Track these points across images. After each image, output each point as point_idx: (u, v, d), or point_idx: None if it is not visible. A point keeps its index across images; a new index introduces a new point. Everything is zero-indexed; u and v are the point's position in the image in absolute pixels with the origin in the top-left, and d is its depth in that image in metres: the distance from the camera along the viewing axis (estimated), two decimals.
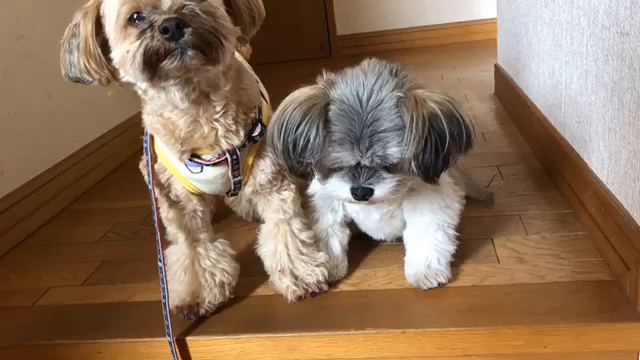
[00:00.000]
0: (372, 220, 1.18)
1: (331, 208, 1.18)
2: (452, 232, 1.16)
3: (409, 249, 1.19)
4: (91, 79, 0.91)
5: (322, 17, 3.79)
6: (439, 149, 0.93)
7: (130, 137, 2.05)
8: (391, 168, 0.97)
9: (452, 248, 1.17)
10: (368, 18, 3.77)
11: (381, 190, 0.97)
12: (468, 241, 1.28)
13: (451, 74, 2.91)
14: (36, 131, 1.76)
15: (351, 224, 1.23)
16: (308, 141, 0.92)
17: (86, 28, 0.88)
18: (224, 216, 1.56)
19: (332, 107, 0.94)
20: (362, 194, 0.97)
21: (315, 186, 1.15)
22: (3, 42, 1.66)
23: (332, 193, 1.01)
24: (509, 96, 2.13)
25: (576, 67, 1.32)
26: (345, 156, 0.94)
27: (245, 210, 1.51)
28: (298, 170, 0.99)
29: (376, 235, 1.27)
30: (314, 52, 3.84)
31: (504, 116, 2.15)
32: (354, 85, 0.94)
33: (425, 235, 1.15)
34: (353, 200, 0.99)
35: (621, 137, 1.08)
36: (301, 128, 0.92)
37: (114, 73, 0.91)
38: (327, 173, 0.99)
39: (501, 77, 2.30)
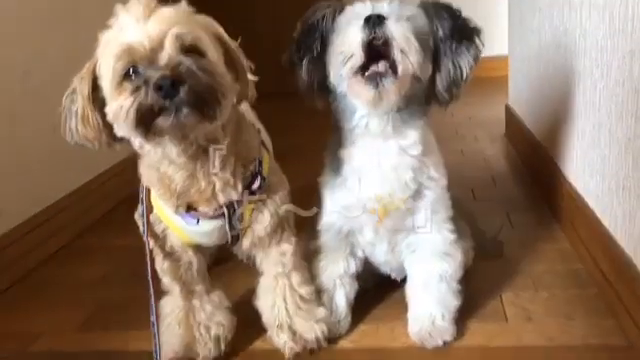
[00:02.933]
0: (382, 252, 1.14)
1: (347, 252, 1.14)
2: (456, 285, 1.12)
3: (412, 304, 1.15)
4: (91, 145, 0.89)
5: None
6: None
7: (133, 173, 2.04)
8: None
9: (457, 303, 1.12)
10: None
11: (394, 21, 0.89)
12: (475, 296, 1.23)
13: (462, 112, 2.87)
14: (40, 167, 1.75)
15: (360, 275, 1.19)
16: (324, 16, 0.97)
17: (82, 94, 0.86)
18: (225, 260, 1.53)
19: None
20: (376, 21, 0.89)
21: (330, 218, 1.11)
22: (9, 79, 1.65)
23: (344, 44, 0.93)
24: (520, 138, 2.09)
25: (588, 119, 1.29)
26: (360, 8, 0.94)
27: (246, 254, 1.47)
28: (310, 73, 0.99)
29: (384, 269, 1.22)
30: None
31: (515, 159, 2.11)
32: None
33: (427, 287, 1.11)
34: (363, 53, 0.90)
35: (636, 197, 1.03)
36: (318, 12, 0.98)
37: (114, 137, 0.89)
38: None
39: (512, 118, 2.27)
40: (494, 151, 2.25)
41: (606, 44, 1.15)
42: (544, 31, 1.66)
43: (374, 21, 0.89)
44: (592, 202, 1.29)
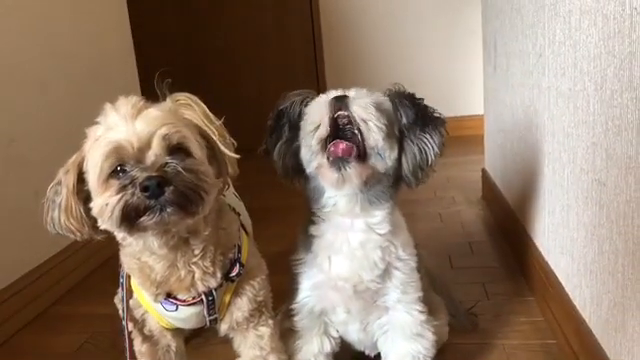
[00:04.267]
0: (355, 330, 1.15)
1: (321, 332, 1.15)
2: None
3: None
4: (73, 235, 0.91)
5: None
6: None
7: (109, 238, 2.05)
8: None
9: None
10: None
11: (357, 100, 0.97)
12: None
13: (440, 172, 2.86)
14: (20, 233, 1.75)
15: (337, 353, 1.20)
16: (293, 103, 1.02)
17: (67, 187, 0.88)
18: (203, 330, 1.53)
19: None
20: (341, 103, 0.96)
21: (304, 295, 1.13)
22: None
23: (313, 118, 0.99)
24: (496, 204, 2.14)
25: (558, 198, 1.33)
26: (325, 97, 0.99)
27: (223, 333, 1.48)
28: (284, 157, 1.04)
29: (358, 347, 1.23)
30: None
31: (492, 224, 2.15)
32: None
33: None
34: (328, 126, 0.96)
35: (602, 282, 1.07)
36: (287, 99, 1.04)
37: (96, 230, 0.91)
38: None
39: (488, 182, 2.33)
40: (472, 215, 2.29)
41: (572, 132, 1.20)
42: (516, 107, 1.73)
43: (339, 99, 0.96)
44: (563, 280, 1.33)
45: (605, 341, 1.07)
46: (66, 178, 0.90)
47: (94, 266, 2.08)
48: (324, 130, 0.96)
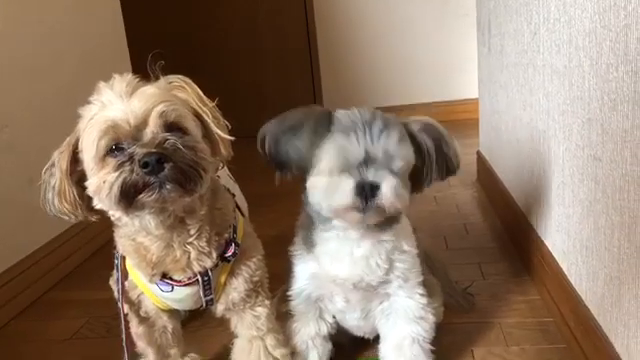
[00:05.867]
0: (354, 318, 1.15)
1: (317, 315, 1.15)
2: (428, 346, 1.14)
3: None
4: (68, 217, 0.91)
5: (310, 94, 3.87)
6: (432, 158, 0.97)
7: (107, 223, 2.05)
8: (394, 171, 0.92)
9: None
10: (355, 95, 3.84)
11: (388, 186, 0.89)
12: (448, 351, 1.26)
13: None
14: (14, 220, 1.74)
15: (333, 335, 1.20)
16: (311, 130, 0.90)
17: (61, 169, 0.88)
18: (200, 315, 1.53)
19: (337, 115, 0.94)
20: (369, 190, 0.88)
21: (300, 283, 1.13)
22: None
23: (330, 198, 0.91)
24: (491, 186, 2.15)
25: (553, 176, 1.33)
26: (352, 143, 0.89)
27: (220, 314, 1.48)
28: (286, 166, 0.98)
29: (357, 333, 1.23)
30: None
31: (487, 206, 2.15)
32: (357, 112, 0.94)
33: (401, 349, 1.12)
34: (353, 204, 0.89)
35: (598, 258, 1.07)
36: (305, 120, 0.91)
37: (90, 211, 0.90)
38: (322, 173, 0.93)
39: (483, 165, 2.33)
40: (467, 197, 2.29)
41: (567, 109, 1.20)
42: (511, 87, 1.72)
43: (366, 187, 0.89)
44: (559, 258, 1.33)
45: (601, 317, 1.07)
46: (60, 159, 0.89)
47: (89, 253, 2.07)
48: (350, 202, 0.90)
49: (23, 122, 1.81)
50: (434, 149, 0.97)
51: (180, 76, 0.96)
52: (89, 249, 2.06)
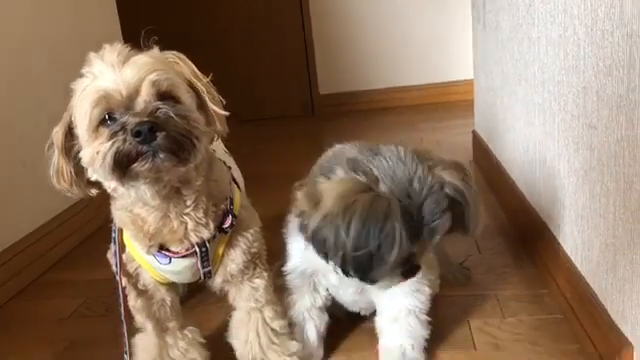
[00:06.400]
0: (349, 293, 1.16)
1: (311, 288, 1.16)
2: (424, 317, 1.14)
3: (382, 336, 1.17)
4: (69, 193, 0.92)
5: (305, 76, 3.85)
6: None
7: (101, 206, 2.06)
8: None
9: (426, 333, 1.15)
10: (350, 77, 3.83)
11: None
12: (444, 324, 1.26)
13: (431, 136, 2.94)
14: (9, 202, 1.73)
15: (329, 307, 1.21)
16: (394, 241, 0.87)
17: (57, 145, 0.88)
18: (198, 291, 1.53)
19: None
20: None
21: (295, 260, 1.13)
22: None
23: None
24: (487, 164, 2.15)
25: (548, 148, 1.34)
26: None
27: (219, 286, 1.48)
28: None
29: (352, 308, 1.24)
30: (296, 111, 3.89)
31: (482, 184, 2.15)
32: (399, 179, 0.91)
33: (397, 321, 1.13)
34: None
35: (593, 226, 1.08)
36: (386, 229, 0.86)
37: (89, 185, 0.91)
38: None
39: (479, 144, 2.33)
40: None
41: (562, 79, 1.20)
42: (506, 63, 1.72)
43: None
44: (554, 229, 1.34)
45: (596, 284, 1.08)
46: (56, 137, 0.88)
47: (86, 234, 2.07)
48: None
49: (16, 101, 1.80)
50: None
51: (174, 52, 0.96)
52: (86, 230, 2.06)
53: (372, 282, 0.95)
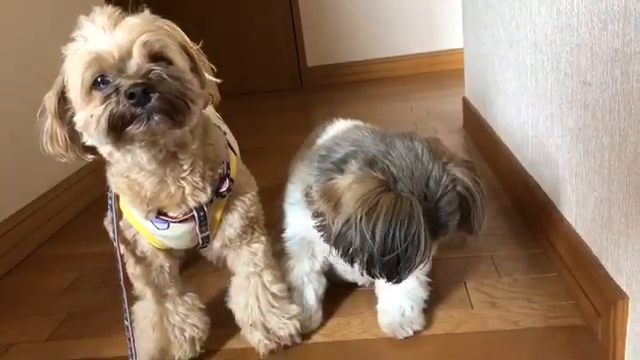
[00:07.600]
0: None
1: (310, 254, 1.16)
2: (424, 278, 1.16)
3: (381, 297, 1.18)
4: (64, 159, 0.91)
5: (292, 48, 3.82)
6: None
7: (95, 179, 2.04)
8: None
9: (425, 294, 1.16)
10: (338, 49, 3.80)
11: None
12: (441, 284, 1.28)
13: (420, 106, 2.94)
14: (1, 176, 1.72)
15: (327, 272, 1.22)
16: (419, 242, 0.88)
17: (50, 110, 0.86)
18: (195, 261, 1.54)
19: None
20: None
21: (294, 228, 1.14)
22: None
23: None
24: (477, 130, 2.15)
25: (541, 109, 1.34)
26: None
27: (216, 255, 1.48)
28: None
29: (351, 277, 1.25)
30: (285, 83, 3.86)
31: (473, 150, 2.17)
32: (416, 179, 0.91)
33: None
34: None
35: (587, 183, 1.09)
36: (411, 231, 0.86)
37: (84, 150, 0.90)
38: None
39: (469, 110, 2.33)
40: (453, 143, 2.30)
41: (555, 38, 1.20)
42: (497, 27, 1.71)
43: None
44: (548, 189, 1.35)
45: (591, 240, 1.09)
46: (49, 102, 0.87)
47: (81, 207, 2.07)
48: None
49: (3, 74, 1.77)
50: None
51: (165, 20, 0.94)
52: (80, 204, 2.06)
53: (398, 282, 0.94)
